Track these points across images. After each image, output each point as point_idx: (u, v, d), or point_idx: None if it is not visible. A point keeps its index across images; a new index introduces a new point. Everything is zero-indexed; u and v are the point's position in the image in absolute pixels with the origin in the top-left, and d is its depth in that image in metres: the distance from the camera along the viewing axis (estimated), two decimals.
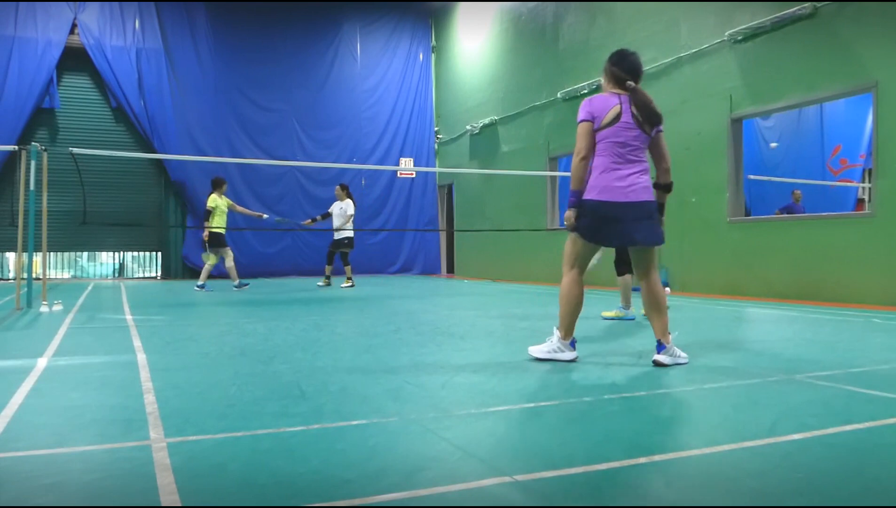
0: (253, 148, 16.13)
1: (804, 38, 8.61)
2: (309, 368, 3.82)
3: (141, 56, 15.25)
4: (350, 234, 12.16)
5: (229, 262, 11.27)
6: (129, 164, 15.09)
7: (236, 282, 11.34)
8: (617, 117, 3.80)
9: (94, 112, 15.41)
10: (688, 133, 10.04)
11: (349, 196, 12.24)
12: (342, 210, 12.12)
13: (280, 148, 16.32)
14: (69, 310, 7.42)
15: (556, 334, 4.00)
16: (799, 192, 12.23)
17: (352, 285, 11.98)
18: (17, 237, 8.03)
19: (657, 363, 3.77)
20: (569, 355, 3.95)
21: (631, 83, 3.85)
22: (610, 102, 3.84)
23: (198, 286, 11.06)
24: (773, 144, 12.52)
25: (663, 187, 4.00)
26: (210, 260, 11.29)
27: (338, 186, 12.45)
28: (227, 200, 11.46)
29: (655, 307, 3.87)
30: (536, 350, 4.02)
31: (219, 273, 15.60)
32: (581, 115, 3.89)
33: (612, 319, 6.12)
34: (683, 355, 3.88)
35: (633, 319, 6.14)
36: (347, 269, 12.20)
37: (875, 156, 8.00)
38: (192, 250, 15.76)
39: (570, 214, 3.95)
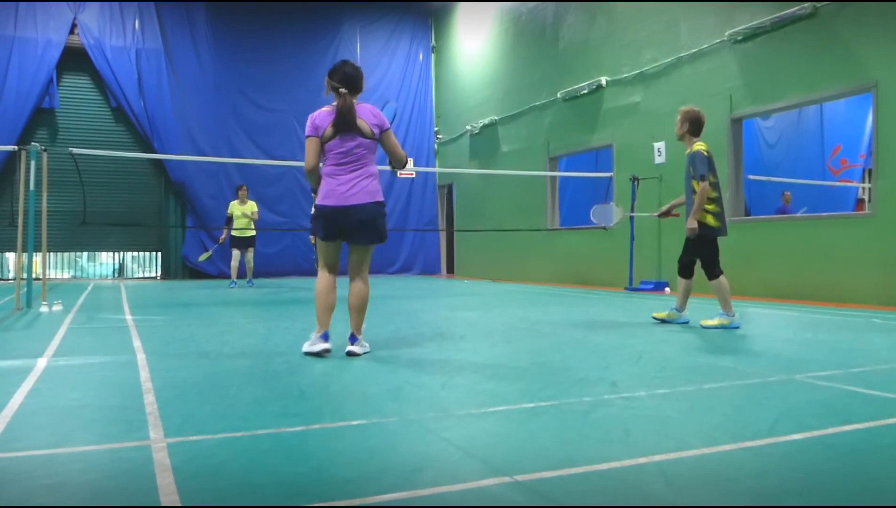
0: (253, 148, 16.13)
1: (804, 38, 8.61)
2: (309, 368, 3.82)
3: (141, 56, 15.25)
4: None
5: (233, 262, 12.40)
6: (129, 164, 15.09)
7: (232, 280, 12.47)
8: (335, 130, 4.18)
9: (94, 112, 15.41)
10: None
11: None
12: None
13: (280, 148, 16.31)
14: (69, 310, 7.42)
15: (316, 331, 4.30)
16: (788, 193, 12.25)
17: None
18: (17, 237, 8.03)
19: (350, 354, 4.18)
20: (319, 346, 4.21)
21: (343, 90, 4.19)
22: (327, 115, 4.23)
23: (248, 283, 12.44)
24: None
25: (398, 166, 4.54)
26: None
27: None
28: (246, 205, 12.23)
29: (359, 307, 4.28)
30: (306, 345, 4.28)
31: (219, 273, 15.65)
32: (306, 130, 4.26)
33: (716, 327, 5.52)
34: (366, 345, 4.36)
35: (737, 327, 5.52)
36: None
37: (875, 156, 8.00)
38: (191, 251, 15.77)
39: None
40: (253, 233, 12.25)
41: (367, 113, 4.28)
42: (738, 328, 5.57)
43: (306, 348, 4.26)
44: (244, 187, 12.44)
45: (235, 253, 12.24)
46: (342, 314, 4.52)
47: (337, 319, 4.31)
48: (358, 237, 4.27)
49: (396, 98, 17.66)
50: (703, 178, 5.58)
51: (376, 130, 4.29)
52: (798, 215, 10.98)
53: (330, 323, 4.31)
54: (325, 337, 4.25)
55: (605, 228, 7.25)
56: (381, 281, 14.38)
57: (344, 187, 4.19)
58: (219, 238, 12.88)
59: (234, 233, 12.11)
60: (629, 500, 1.81)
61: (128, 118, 15.30)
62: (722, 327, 5.53)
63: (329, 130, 4.20)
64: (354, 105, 4.23)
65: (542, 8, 13.76)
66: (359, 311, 4.30)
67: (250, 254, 12.29)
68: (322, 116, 4.25)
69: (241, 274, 12.59)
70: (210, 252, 13.30)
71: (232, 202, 12.37)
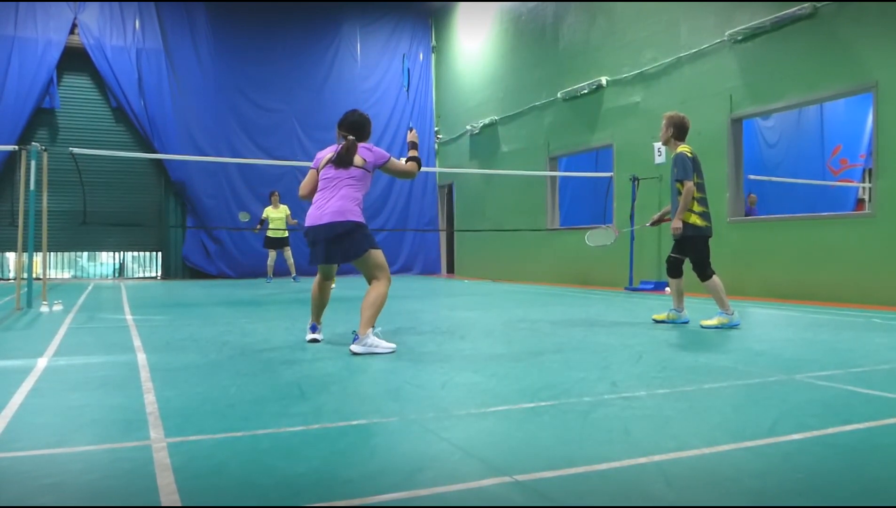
0: (253, 148, 16.13)
1: (804, 38, 8.61)
2: (309, 368, 3.82)
3: (141, 56, 15.25)
4: None
5: (269, 261, 13.56)
6: (129, 164, 15.09)
7: (269, 277, 13.60)
8: (328, 161, 4.66)
9: (94, 112, 15.41)
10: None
11: None
12: None
13: (280, 148, 16.31)
14: (69, 310, 7.42)
15: (311, 324, 4.89)
16: (754, 196, 12.20)
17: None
18: (17, 237, 8.03)
19: (352, 352, 4.26)
20: (308, 335, 4.83)
21: (351, 137, 4.67)
22: (329, 151, 4.75)
23: (293, 279, 13.61)
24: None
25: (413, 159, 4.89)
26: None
27: None
28: (279, 208, 13.26)
29: (364, 306, 4.40)
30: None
31: (219, 272, 15.66)
32: (312, 164, 4.83)
33: (716, 327, 5.54)
34: (386, 345, 4.34)
35: (737, 324, 5.57)
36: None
37: (875, 156, 8.00)
38: (192, 251, 15.77)
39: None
40: (286, 234, 13.28)
41: (363, 150, 4.67)
42: (738, 325, 5.57)
43: (308, 334, 4.90)
44: (276, 193, 13.36)
45: (271, 253, 13.36)
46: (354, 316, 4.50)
47: (336, 320, 4.33)
48: (333, 254, 4.53)
49: (396, 98, 17.68)
50: (683, 180, 5.63)
51: (370, 161, 4.64)
52: (799, 215, 10.95)
53: (321, 319, 4.92)
54: (313, 328, 4.86)
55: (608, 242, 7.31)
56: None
57: (318, 212, 4.54)
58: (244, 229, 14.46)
59: (269, 234, 13.18)
60: (629, 500, 1.81)
61: (128, 118, 15.30)
62: (722, 326, 5.54)
63: (324, 161, 4.68)
64: (357, 148, 4.63)
65: (542, 8, 13.76)
66: (362, 311, 4.39)
67: (288, 252, 13.35)
68: (325, 151, 4.78)
69: (277, 272, 13.86)
70: (249, 215, 13.82)
71: (266, 208, 13.40)
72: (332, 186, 4.56)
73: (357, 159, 4.60)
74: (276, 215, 13.22)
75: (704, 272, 5.67)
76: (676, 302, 5.95)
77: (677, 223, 5.68)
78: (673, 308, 5.97)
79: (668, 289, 10.15)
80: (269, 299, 9.48)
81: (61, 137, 14.70)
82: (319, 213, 4.52)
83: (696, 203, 5.68)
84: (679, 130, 5.87)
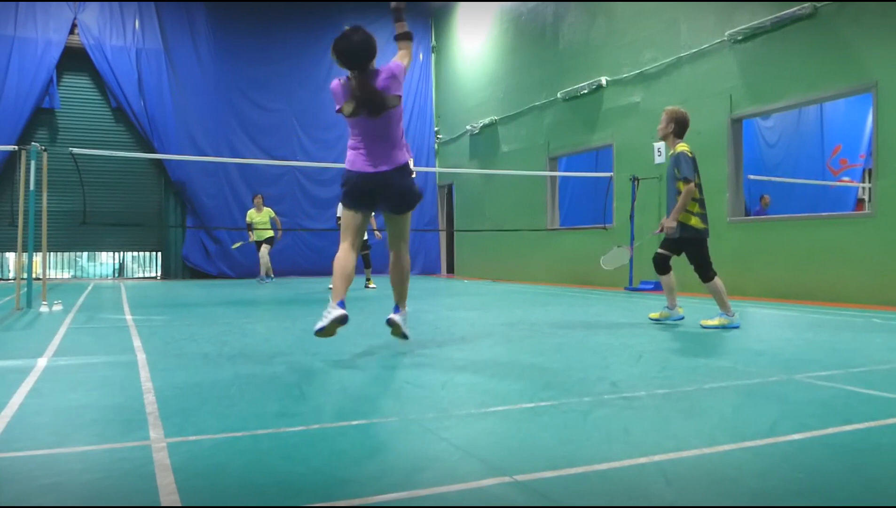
0: (253, 148, 16.14)
1: (804, 38, 8.61)
2: (309, 368, 3.81)
3: (141, 56, 15.25)
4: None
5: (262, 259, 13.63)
6: (129, 164, 15.10)
7: (260, 275, 13.58)
8: (355, 112, 3.99)
9: (94, 112, 15.42)
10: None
11: None
12: None
13: (280, 148, 16.32)
14: (69, 310, 7.42)
15: (331, 301, 4.00)
16: (768, 197, 12.17)
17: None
18: (17, 237, 8.03)
19: (390, 322, 4.18)
20: (336, 312, 3.88)
21: (356, 72, 3.94)
22: (346, 92, 3.99)
23: (262, 280, 13.52)
24: None
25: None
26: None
27: None
28: (262, 212, 13.33)
29: (397, 281, 4.22)
30: (318, 324, 3.92)
31: (219, 273, 15.67)
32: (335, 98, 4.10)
33: (716, 327, 5.51)
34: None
35: (737, 327, 5.53)
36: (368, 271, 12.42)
37: (875, 156, 8.00)
38: (191, 251, 15.78)
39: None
40: (270, 234, 13.32)
41: (383, 81, 3.98)
42: (738, 327, 5.56)
43: (319, 324, 3.91)
44: (259, 196, 13.44)
45: (262, 252, 13.47)
46: (351, 306, 4.29)
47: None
48: (385, 202, 4.13)
49: None
50: (687, 180, 5.57)
51: (395, 90, 3.98)
52: (799, 215, 10.95)
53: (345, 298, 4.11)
54: (342, 304, 3.95)
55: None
56: (381, 281, 14.38)
57: (372, 159, 4.03)
58: (234, 243, 14.79)
59: (254, 236, 13.37)
60: (629, 500, 1.81)
61: (128, 118, 15.31)
62: (722, 327, 5.53)
63: (349, 108, 3.99)
64: (374, 82, 3.91)
65: (542, 8, 13.76)
66: (400, 283, 4.24)
67: (264, 250, 13.29)
68: (338, 89, 4.04)
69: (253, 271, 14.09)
70: (242, 243, 14.07)
71: (249, 211, 13.48)
72: (376, 134, 4.03)
73: (391, 101, 3.97)
74: (260, 218, 13.32)
75: (706, 274, 5.65)
76: (670, 300, 5.93)
77: (671, 222, 5.64)
78: (666, 306, 5.96)
79: None
80: (269, 299, 9.48)
81: (61, 137, 14.71)
82: (374, 160, 4.01)
83: (696, 204, 5.65)
84: (680, 127, 5.81)
